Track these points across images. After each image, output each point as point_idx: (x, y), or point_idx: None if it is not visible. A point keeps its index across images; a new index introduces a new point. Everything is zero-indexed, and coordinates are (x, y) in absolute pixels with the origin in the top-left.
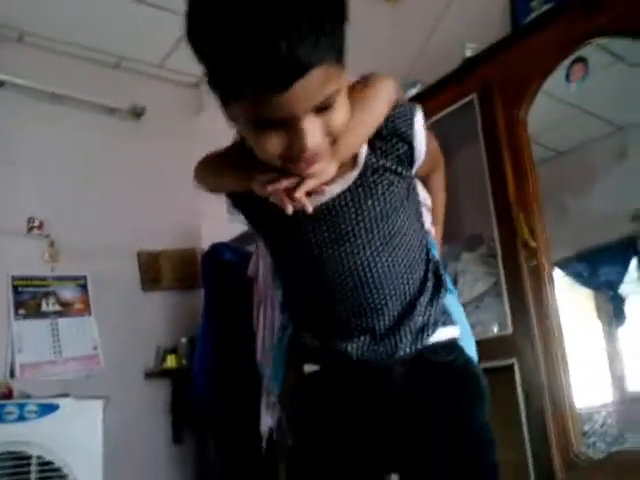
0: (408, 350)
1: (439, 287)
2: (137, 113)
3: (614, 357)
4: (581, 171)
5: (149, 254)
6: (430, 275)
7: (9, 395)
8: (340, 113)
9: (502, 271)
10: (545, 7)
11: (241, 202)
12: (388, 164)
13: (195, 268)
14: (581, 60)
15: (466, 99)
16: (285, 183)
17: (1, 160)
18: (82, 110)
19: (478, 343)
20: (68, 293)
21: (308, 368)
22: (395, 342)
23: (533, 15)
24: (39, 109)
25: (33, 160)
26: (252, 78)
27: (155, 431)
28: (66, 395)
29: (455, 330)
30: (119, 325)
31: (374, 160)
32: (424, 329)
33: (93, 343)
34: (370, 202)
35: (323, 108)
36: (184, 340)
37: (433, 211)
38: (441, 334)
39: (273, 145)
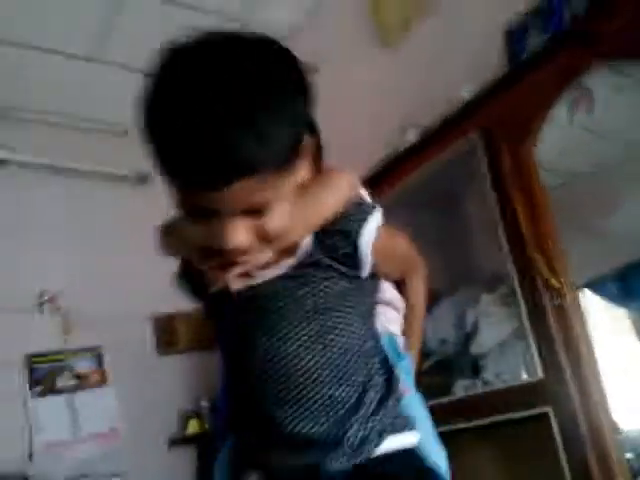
0: (343, 465)
1: (390, 393)
2: (142, 180)
3: None
4: (608, 191)
5: (164, 317)
6: (376, 381)
7: None
8: (275, 217)
9: (525, 312)
10: (542, 37)
11: (188, 278)
12: (328, 261)
13: (210, 329)
14: (584, 89)
15: (468, 141)
16: (213, 261)
17: (9, 236)
18: (88, 180)
19: (508, 391)
20: (83, 365)
21: (251, 477)
22: (329, 459)
23: (529, 50)
24: (44, 183)
25: (41, 234)
26: (180, 174)
27: None
28: (85, 476)
29: (411, 437)
30: (137, 392)
31: (314, 253)
32: (365, 442)
33: (111, 418)
34: (301, 293)
35: (255, 211)
36: (205, 404)
37: (406, 320)
38: (391, 443)
39: (198, 234)
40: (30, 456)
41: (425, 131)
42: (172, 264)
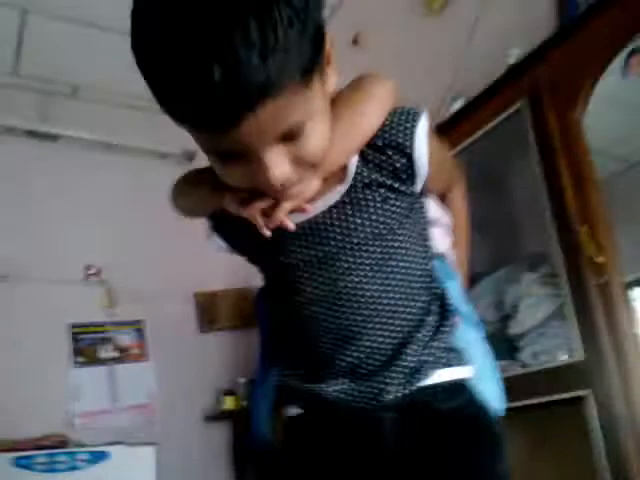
0: (398, 394)
1: (444, 321)
2: (189, 157)
3: None
4: None
5: (206, 295)
6: (434, 307)
7: (63, 445)
8: (313, 139)
9: (568, 292)
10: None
11: (220, 224)
12: (382, 179)
13: (251, 307)
14: (638, 51)
15: (514, 107)
16: (260, 204)
17: (58, 211)
18: (135, 157)
19: (547, 372)
20: (125, 338)
21: (292, 411)
22: (383, 384)
23: (581, 9)
24: (93, 159)
25: (89, 209)
26: (188, 118)
27: (216, 476)
28: (120, 443)
29: (465, 371)
30: (177, 368)
31: (366, 174)
32: (420, 370)
33: (148, 392)
34: (360, 220)
35: (289, 137)
36: (242, 380)
37: (454, 232)
38: (443, 375)
39: (236, 178)
40: (70, 422)
41: (470, 99)
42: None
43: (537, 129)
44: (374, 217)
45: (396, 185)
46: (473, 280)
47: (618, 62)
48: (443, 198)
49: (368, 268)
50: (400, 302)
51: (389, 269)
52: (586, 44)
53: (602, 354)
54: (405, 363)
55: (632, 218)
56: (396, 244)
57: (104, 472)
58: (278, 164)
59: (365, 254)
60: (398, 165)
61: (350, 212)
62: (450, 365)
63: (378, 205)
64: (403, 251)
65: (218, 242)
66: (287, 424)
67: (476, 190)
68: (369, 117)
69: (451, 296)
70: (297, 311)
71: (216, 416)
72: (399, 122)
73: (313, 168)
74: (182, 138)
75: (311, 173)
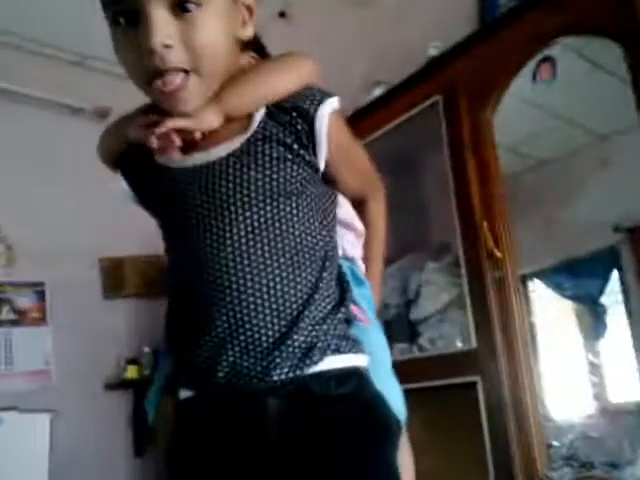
0: (284, 376)
1: (341, 306)
2: (102, 114)
3: (595, 368)
4: (564, 181)
5: (112, 260)
6: (328, 287)
7: None
8: (204, 29)
9: (466, 282)
10: (513, 3)
11: (128, 167)
12: (283, 137)
13: (159, 275)
14: (548, 59)
15: (430, 101)
16: (154, 118)
17: None
18: (43, 109)
19: (442, 358)
20: (24, 300)
21: (183, 394)
22: (270, 363)
23: (501, 12)
24: None
25: None
26: None
27: (115, 444)
28: (13, 408)
29: (359, 359)
30: (78, 334)
31: (268, 128)
32: (311, 351)
33: (45, 358)
34: (254, 173)
35: (181, 9)
36: (147, 350)
37: (367, 245)
38: (336, 362)
39: (130, 52)
40: None
41: (390, 87)
42: (124, 208)
43: (449, 124)
44: (268, 172)
45: (295, 147)
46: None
47: (530, 67)
48: (360, 209)
49: (256, 224)
50: (287, 269)
51: (277, 231)
52: (502, 47)
53: (493, 343)
54: (294, 341)
55: (537, 213)
56: (288, 209)
57: None
58: (161, 25)
59: (255, 209)
60: (299, 127)
61: (246, 163)
62: (344, 352)
63: (274, 162)
64: (296, 219)
65: (124, 187)
66: (176, 408)
67: (388, 177)
68: (282, 77)
69: (357, 296)
70: (187, 266)
71: (117, 385)
72: (310, 94)
73: (199, 61)
74: (95, 93)
75: (201, 81)
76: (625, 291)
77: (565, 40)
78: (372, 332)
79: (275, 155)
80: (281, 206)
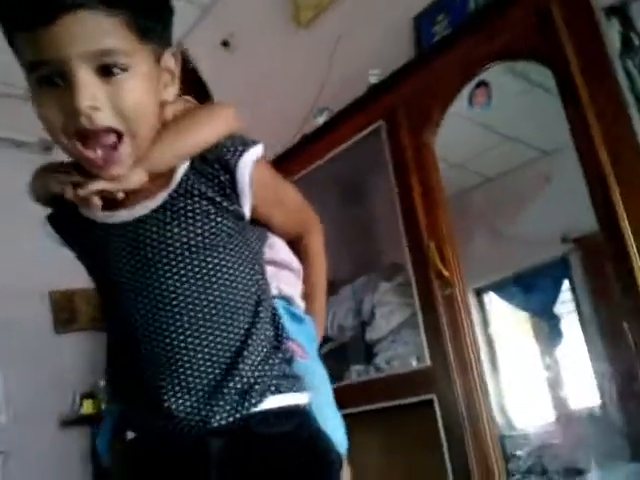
0: (224, 421)
1: (277, 347)
2: (46, 147)
3: (553, 377)
4: (511, 195)
5: (62, 293)
6: (264, 330)
7: None
8: (131, 91)
9: (417, 301)
10: (447, 31)
11: (55, 212)
12: (206, 190)
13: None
14: (483, 84)
15: (373, 126)
16: (75, 178)
17: None
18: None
19: (398, 377)
20: None
21: (130, 435)
22: (209, 410)
23: (436, 39)
24: None
25: None
26: (9, 13)
27: None
28: None
29: (300, 397)
30: (30, 371)
31: (191, 183)
32: (250, 393)
33: None
34: (177, 229)
35: (107, 71)
36: (103, 383)
37: (307, 284)
38: (276, 401)
39: (52, 108)
40: None
41: (333, 114)
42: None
43: (392, 148)
44: (191, 228)
45: (218, 199)
46: (334, 287)
47: (467, 90)
48: (297, 246)
49: (184, 279)
50: (218, 319)
51: (207, 284)
52: (439, 72)
53: (446, 361)
54: (230, 388)
55: (488, 227)
56: (216, 261)
57: None
58: (88, 85)
59: (181, 264)
60: (222, 179)
61: (169, 220)
62: (284, 391)
63: (198, 217)
64: (225, 269)
65: (49, 231)
66: (121, 448)
67: (337, 201)
68: (204, 129)
69: (295, 334)
70: (118, 316)
71: (74, 421)
72: (232, 144)
73: (125, 120)
74: (39, 127)
75: (130, 143)
76: (577, 300)
77: (499, 64)
78: (312, 366)
79: (197, 209)
80: (208, 259)
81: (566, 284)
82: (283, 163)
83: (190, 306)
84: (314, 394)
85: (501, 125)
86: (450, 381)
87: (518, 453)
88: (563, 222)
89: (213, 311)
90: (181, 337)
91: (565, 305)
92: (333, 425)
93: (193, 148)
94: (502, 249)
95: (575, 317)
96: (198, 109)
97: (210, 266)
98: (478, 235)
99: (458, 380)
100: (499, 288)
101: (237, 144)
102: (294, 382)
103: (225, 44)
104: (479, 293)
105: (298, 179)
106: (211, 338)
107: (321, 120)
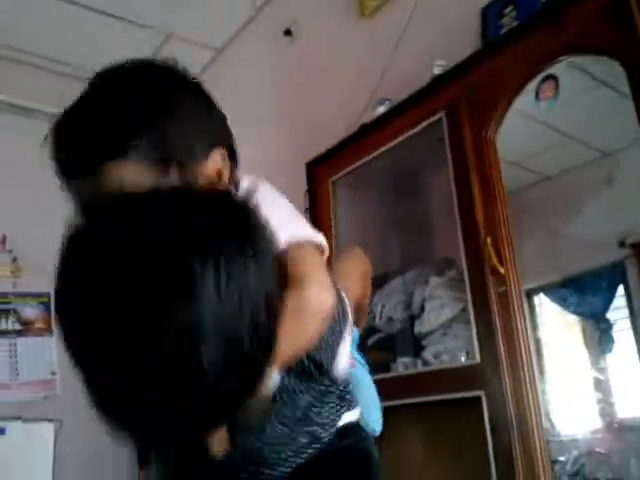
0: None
1: (342, 404)
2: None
3: (602, 384)
4: (569, 196)
5: None
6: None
7: None
8: None
9: (470, 297)
10: (515, 23)
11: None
12: (300, 385)
13: None
14: (551, 78)
15: (434, 118)
16: None
17: None
18: (36, 120)
19: (445, 372)
20: (30, 311)
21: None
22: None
23: (503, 31)
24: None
25: None
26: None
27: (119, 455)
28: (18, 418)
29: (354, 413)
30: None
31: (284, 380)
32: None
33: (51, 367)
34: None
35: None
36: None
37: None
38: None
39: None
40: None
41: (394, 105)
42: None
43: (453, 141)
44: (293, 405)
45: (312, 383)
46: (385, 279)
47: (533, 85)
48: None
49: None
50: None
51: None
52: (505, 65)
53: (497, 358)
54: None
55: (543, 228)
56: (313, 418)
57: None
58: None
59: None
60: (317, 375)
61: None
62: (344, 412)
63: (295, 397)
64: (319, 416)
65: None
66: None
67: (394, 193)
68: (308, 334)
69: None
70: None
71: None
72: (325, 342)
73: None
74: (49, 95)
75: None
76: (631, 306)
77: (568, 58)
78: (357, 370)
79: (298, 399)
80: (308, 422)
81: (620, 290)
82: (341, 152)
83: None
84: (360, 391)
85: (562, 123)
86: (499, 379)
87: (561, 459)
88: (621, 226)
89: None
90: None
91: (619, 311)
92: (374, 412)
93: (297, 355)
94: (556, 251)
95: (628, 324)
96: (299, 308)
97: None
98: (531, 235)
99: (508, 379)
100: (550, 290)
101: (330, 342)
102: (349, 402)
103: (287, 33)
104: (529, 294)
105: (355, 169)
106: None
107: (381, 110)
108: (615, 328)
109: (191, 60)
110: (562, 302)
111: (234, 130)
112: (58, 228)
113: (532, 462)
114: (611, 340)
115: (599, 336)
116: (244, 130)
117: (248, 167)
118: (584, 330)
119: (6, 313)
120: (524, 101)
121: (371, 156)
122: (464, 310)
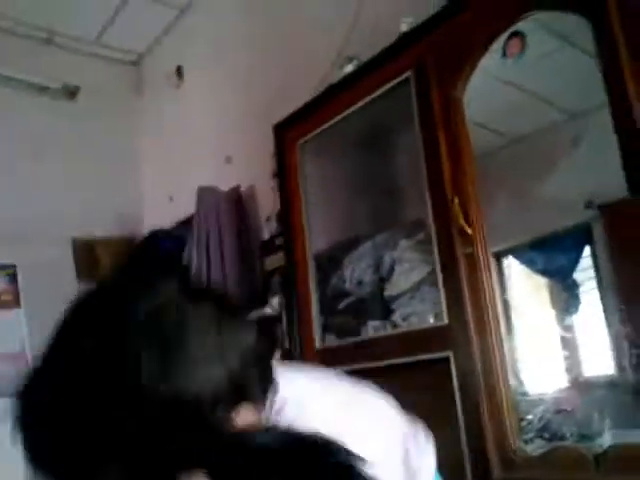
0: None
1: None
2: (71, 92)
3: (569, 343)
4: (536, 158)
5: (85, 241)
6: None
7: None
8: None
9: (437, 259)
10: None
11: None
12: None
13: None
14: (518, 34)
15: (401, 77)
16: None
17: None
18: (11, 88)
19: (414, 334)
20: None
21: None
22: None
23: None
24: None
25: None
26: None
27: None
28: None
29: None
30: (54, 317)
31: None
32: None
33: (21, 341)
34: None
35: None
36: None
37: None
38: None
39: None
40: None
41: (361, 64)
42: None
43: (420, 101)
44: None
45: None
46: (356, 242)
47: (499, 42)
48: None
49: None
50: None
51: None
52: (472, 22)
53: (464, 319)
54: None
55: (510, 190)
56: None
57: None
58: None
59: None
60: None
61: None
62: None
63: None
64: None
65: None
66: None
67: (364, 155)
68: None
69: None
70: None
71: None
72: None
73: None
74: (64, 71)
75: None
76: (597, 267)
77: (535, 15)
78: None
79: None
80: None
81: (587, 251)
82: (307, 114)
83: None
84: None
85: (529, 83)
86: (467, 340)
87: (529, 417)
88: (587, 188)
89: None
90: None
91: (585, 272)
92: None
93: None
94: (523, 213)
95: (594, 284)
96: None
97: None
98: (499, 198)
99: (475, 339)
100: (519, 252)
101: None
102: None
103: None
104: (498, 257)
105: (322, 131)
106: None
107: (348, 69)
108: (581, 289)
109: (155, 19)
110: (530, 264)
111: (200, 97)
112: (20, 197)
113: (500, 420)
114: (577, 300)
115: (566, 297)
116: (210, 96)
117: (215, 135)
118: (551, 291)
119: None
120: (491, 61)
121: (339, 117)
122: (432, 272)
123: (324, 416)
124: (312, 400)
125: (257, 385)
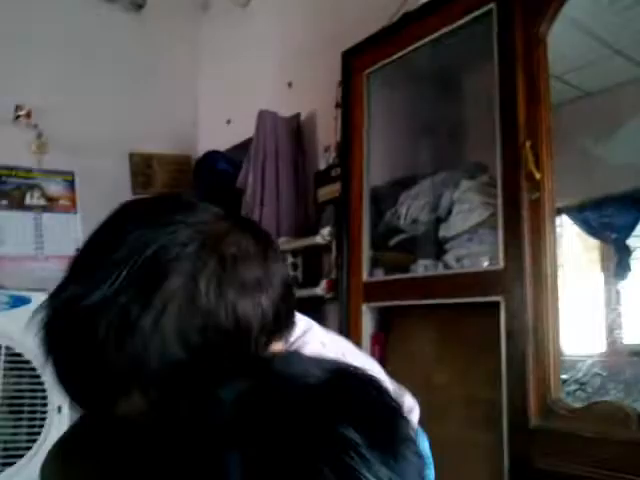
0: None
1: None
2: (138, 4)
3: (612, 309)
4: (605, 116)
5: (142, 156)
6: None
7: None
8: None
9: (501, 201)
10: None
11: None
12: None
13: (188, 175)
14: None
15: (483, 9)
16: None
17: None
18: None
19: (467, 276)
20: (54, 188)
21: None
22: None
23: None
24: None
25: (24, 44)
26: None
27: None
28: (43, 290)
29: None
30: None
31: None
32: None
33: (76, 243)
34: None
35: None
36: None
37: None
38: None
39: None
40: None
41: None
42: (157, 104)
43: (501, 37)
44: None
45: None
46: (414, 180)
47: None
48: None
49: None
50: None
51: None
52: None
53: (521, 265)
54: None
55: (573, 147)
56: None
57: (24, 317)
58: None
59: None
60: None
61: None
62: None
63: None
64: None
65: None
66: None
67: (431, 92)
68: None
69: None
70: None
71: None
72: None
73: None
74: None
75: None
76: None
77: None
78: None
79: None
80: None
81: None
82: (378, 42)
83: None
84: None
85: (610, 37)
86: (521, 287)
87: (564, 377)
88: None
89: None
90: None
91: (639, 239)
92: None
93: None
94: (583, 172)
95: None
96: None
97: None
98: (560, 154)
99: (529, 287)
100: (572, 212)
101: None
102: None
103: None
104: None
105: (391, 62)
106: None
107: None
108: (634, 255)
109: None
110: (583, 225)
111: (267, 18)
112: (83, 107)
113: (544, 371)
114: (628, 267)
115: (617, 262)
116: (277, 18)
117: (279, 60)
118: (602, 254)
119: (31, 188)
120: (576, 6)
121: (411, 48)
122: (492, 215)
123: (345, 359)
124: (331, 343)
125: (285, 320)
